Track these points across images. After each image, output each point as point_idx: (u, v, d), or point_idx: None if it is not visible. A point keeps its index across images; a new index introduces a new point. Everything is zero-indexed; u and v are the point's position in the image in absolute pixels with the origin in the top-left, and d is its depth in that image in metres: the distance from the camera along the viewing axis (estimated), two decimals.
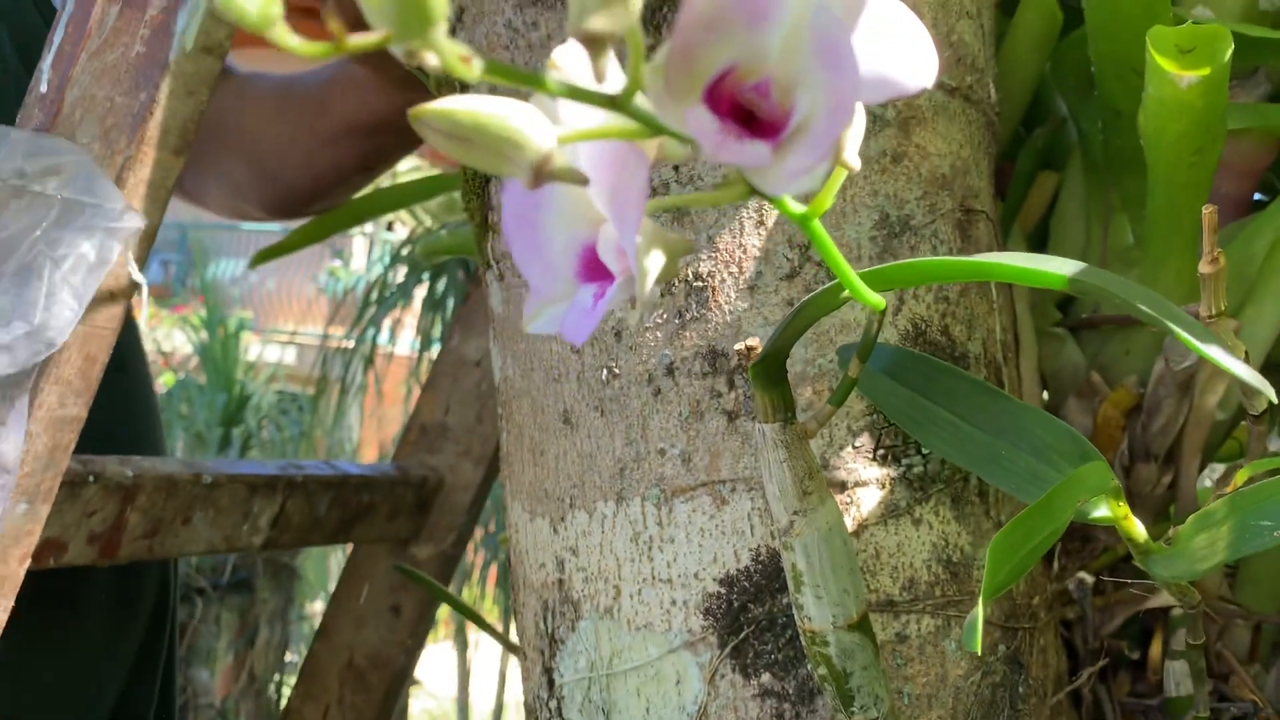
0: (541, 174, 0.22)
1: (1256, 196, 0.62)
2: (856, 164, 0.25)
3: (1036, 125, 0.66)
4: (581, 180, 0.22)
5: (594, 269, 0.25)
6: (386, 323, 3.41)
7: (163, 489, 0.61)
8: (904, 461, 0.47)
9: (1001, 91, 0.62)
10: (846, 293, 0.33)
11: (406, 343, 3.83)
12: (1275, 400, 0.30)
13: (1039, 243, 0.65)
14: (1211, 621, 0.59)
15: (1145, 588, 0.58)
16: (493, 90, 0.49)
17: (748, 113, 0.21)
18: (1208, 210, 0.39)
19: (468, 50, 0.18)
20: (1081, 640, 0.59)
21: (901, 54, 0.22)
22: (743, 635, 0.46)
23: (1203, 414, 0.55)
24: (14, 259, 0.42)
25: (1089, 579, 0.57)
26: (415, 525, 0.83)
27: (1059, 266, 0.31)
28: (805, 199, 0.26)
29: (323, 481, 0.73)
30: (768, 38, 0.20)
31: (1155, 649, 0.59)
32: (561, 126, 0.22)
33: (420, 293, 3.21)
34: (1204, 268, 0.41)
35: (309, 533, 0.73)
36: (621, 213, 0.23)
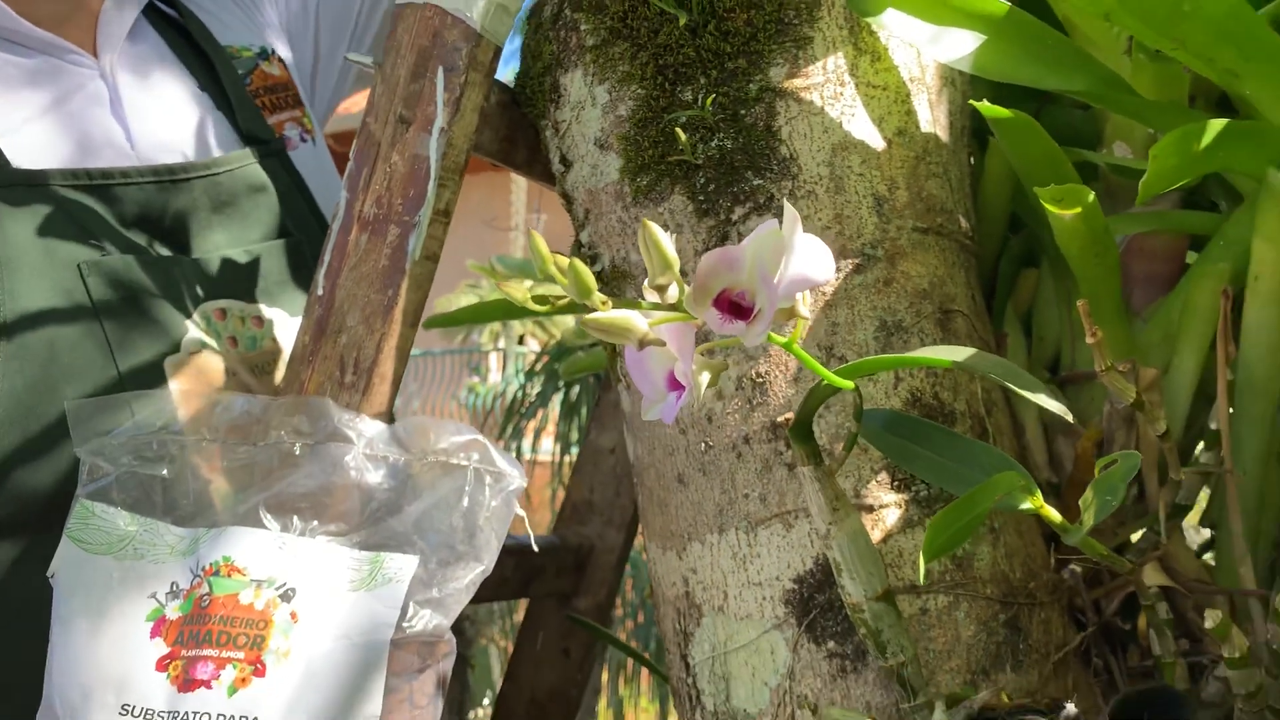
0: (643, 343, 0.45)
1: None
2: (808, 315, 0.48)
3: (1019, 231, 0.87)
4: (662, 343, 0.46)
5: (674, 384, 0.48)
6: (529, 433, 3.69)
7: None
8: (913, 488, 0.69)
9: (987, 210, 0.83)
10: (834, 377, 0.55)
11: (546, 449, 4.11)
12: (1070, 418, 0.51)
13: (1029, 323, 0.86)
14: (1187, 597, 0.77)
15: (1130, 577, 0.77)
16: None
17: (737, 305, 0.44)
18: (1082, 304, 0.60)
19: (608, 301, 0.42)
20: (1087, 617, 0.78)
21: (814, 264, 0.45)
22: (812, 616, 0.68)
23: (1148, 440, 0.74)
24: (458, 515, 0.66)
25: (1078, 569, 0.76)
26: (575, 582, 1.06)
27: (950, 354, 0.53)
28: (786, 330, 0.49)
29: (508, 549, 0.96)
30: (741, 274, 0.43)
31: (1142, 621, 0.77)
32: (653, 315, 0.46)
33: (557, 401, 3.49)
34: (1089, 339, 0.61)
35: (500, 589, 0.96)
36: (683, 355, 0.46)
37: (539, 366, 3.52)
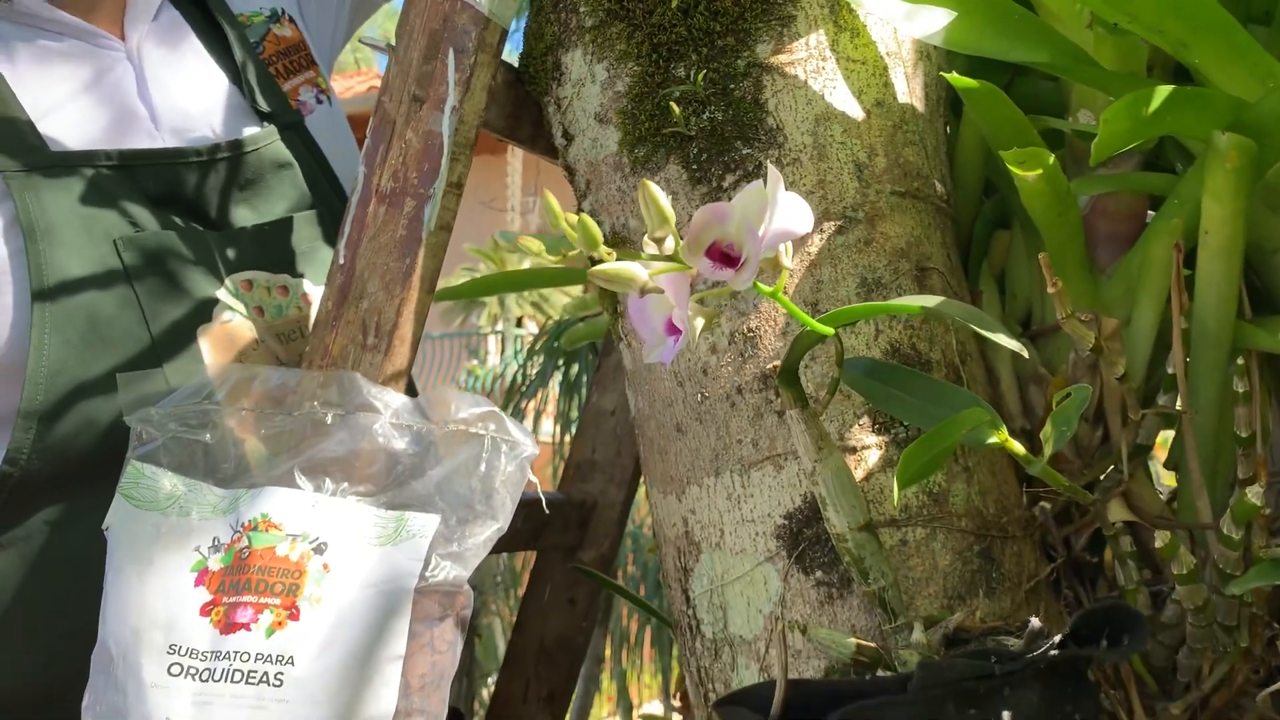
0: (644, 290, 0.51)
1: None
2: (790, 266, 0.54)
3: (992, 195, 0.93)
4: (660, 291, 0.51)
5: (672, 329, 0.54)
6: (529, 413, 3.74)
7: None
8: (892, 431, 0.75)
9: (962, 176, 0.89)
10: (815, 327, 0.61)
11: (546, 430, 4.17)
12: (1025, 354, 0.57)
13: (1003, 281, 0.91)
14: (1149, 530, 0.83)
15: (1098, 514, 0.83)
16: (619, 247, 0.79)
17: (726, 255, 0.50)
18: (1042, 257, 0.66)
19: (613, 252, 0.48)
20: (1056, 550, 0.84)
21: (794, 218, 0.51)
22: (801, 548, 0.74)
23: (1110, 385, 0.80)
24: (476, 479, 0.72)
25: (1048, 506, 0.82)
26: (579, 536, 1.13)
27: (922, 301, 0.59)
28: (771, 281, 0.55)
29: (519, 503, 1.02)
30: (729, 227, 0.49)
31: (1108, 554, 0.83)
32: (652, 266, 0.52)
33: (555, 383, 3.53)
34: (1050, 290, 0.67)
35: (511, 541, 1.02)
36: (679, 302, 0.52)
37: (538, 345, 3.57)
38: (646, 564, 3.38)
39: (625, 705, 3.97)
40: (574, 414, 3.37)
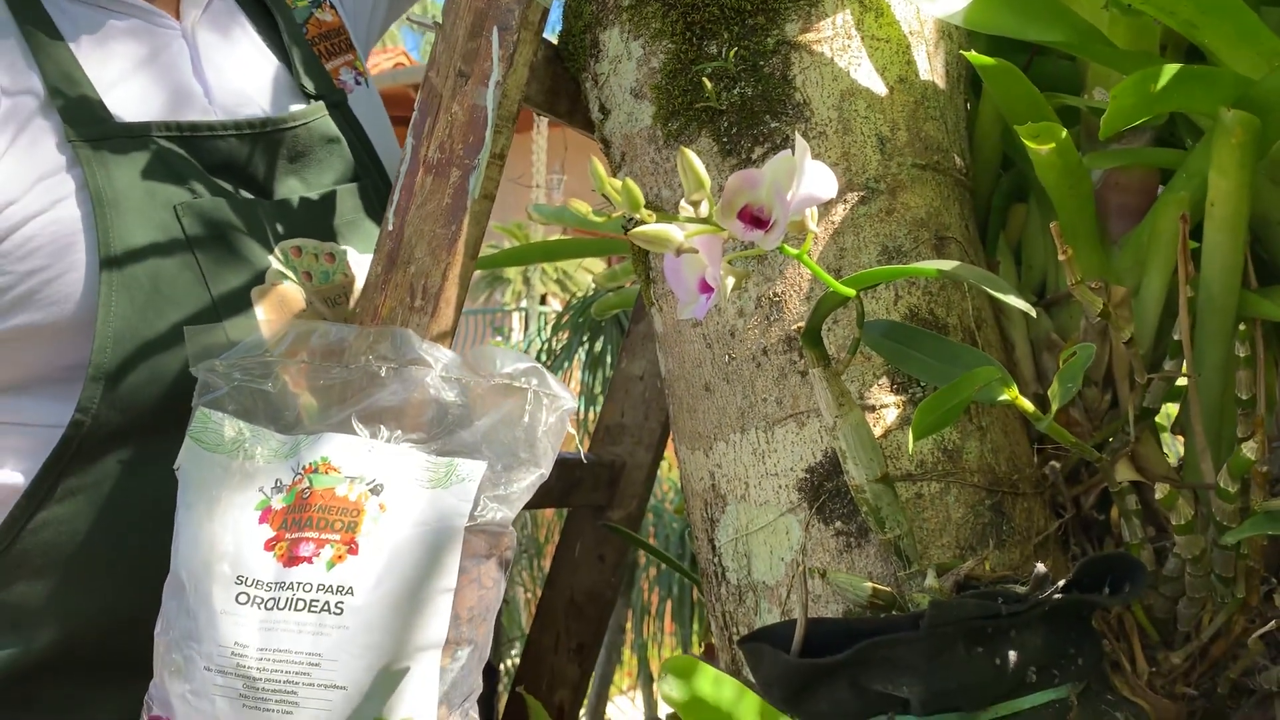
0: (680, 250, 0.56)
1: None
2: (815, 230, 0.58)
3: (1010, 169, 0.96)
4: (694, 250, 0.56)
5: (705, 287, 0.59)
6: None
7: None
8: (910, 391, 0.79)
9: (981, 150, 0.93)
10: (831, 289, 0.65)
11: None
12: (1033, 314, 0.61)
13: (1019, 253, 0.95)
14: (1153, 490, 0.87)
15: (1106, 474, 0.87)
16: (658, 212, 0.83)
17: (757, 218, 0.54)
18: (1054, 225, 0.70)
19: (653, 214, 0.53)
20: (1065, 508, 0.88)
21: (820, 184, 0.55)
22: (822, 500, 0.78)
23: (1118, 350, 0.84)
24: (520, 429, 0.77)
25: (1058, 465, 0.86)
26: (609, 495, 1.18)
27: (939, 265, 0.63)
28: (797, 244, 0.60)
29: (555, 461, 1.07)
30: (760, 191, 0.53)
31: (1114, 512, 0.87)
32: (687, 228, 0.56)
33: (579, 364, 3.58)
34: (1060, 257, 0.71)
35: (545, 497, 1.07)
36: (712, 261, 0.56)
37: (564, 320, 3.62)
38: (669, 536, 3.43)
39: (646, 677, 4.04)
40: (598, 388, 3.42)
